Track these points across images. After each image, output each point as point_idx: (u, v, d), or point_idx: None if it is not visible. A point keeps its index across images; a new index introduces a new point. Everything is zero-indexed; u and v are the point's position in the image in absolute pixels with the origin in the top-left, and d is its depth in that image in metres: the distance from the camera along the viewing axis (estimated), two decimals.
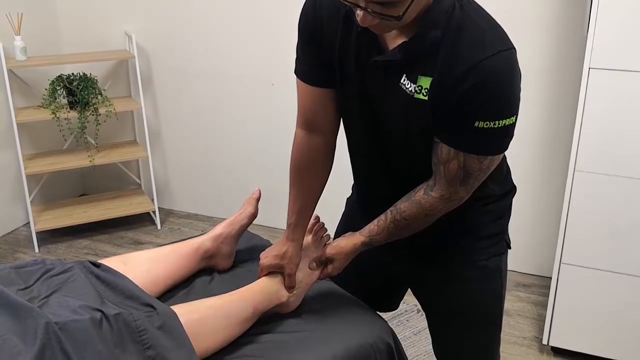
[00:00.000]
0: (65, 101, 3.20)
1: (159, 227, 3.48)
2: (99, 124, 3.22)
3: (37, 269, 1.38)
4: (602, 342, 2.27)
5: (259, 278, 1.48)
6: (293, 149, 1.44)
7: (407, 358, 1.49)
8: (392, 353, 1.42)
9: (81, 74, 3.19)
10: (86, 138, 3.26)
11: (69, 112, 3.15)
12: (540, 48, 2.66)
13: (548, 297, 2.44)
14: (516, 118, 1.18)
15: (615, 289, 2.19)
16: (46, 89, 3.16)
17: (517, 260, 2.87)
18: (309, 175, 1.44)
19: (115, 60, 3.48)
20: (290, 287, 1.46)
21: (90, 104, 3.16)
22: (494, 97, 1.13)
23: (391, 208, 1.36)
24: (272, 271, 1.47)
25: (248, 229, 1.74)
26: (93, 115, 3.18)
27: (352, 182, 1.62)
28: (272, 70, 3.18)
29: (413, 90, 1.18)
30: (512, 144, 1.25)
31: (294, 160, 1.44)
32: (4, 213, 3.38)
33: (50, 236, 3.37)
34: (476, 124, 1.14)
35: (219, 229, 1.66)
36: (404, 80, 1.19)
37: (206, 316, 1.33)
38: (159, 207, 3.56)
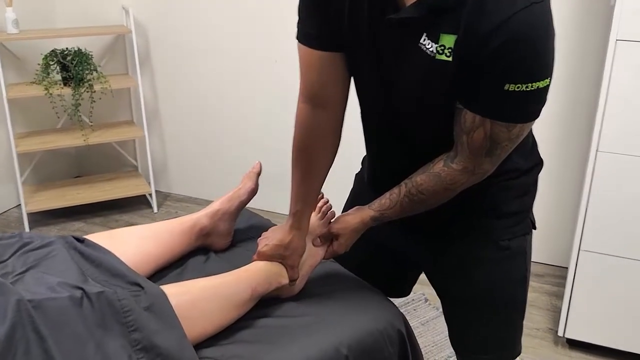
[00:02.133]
0: (58, 77, 3.07)
1: (155, 210, 3.35)
2: (94, 101, 3.08)
3: (14, 242, 1.26)
4: (621, 334, 2.14)
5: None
6: (296, 127, 1.29)
7: (419, 348, 1.36)
8: (403, 341, 1.29)
9: (76, 48, 3.06)
10: (80, 116, 3.13)
11: (62, 88, 3.02)
12: (563, 19, 2.51)
13: (562, 287, 2.33)
14: (550, 80, 1.06)
15: (637, 278, 2.05)
16: (39, 64, 3.03)
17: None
18: (314, 156, 1.29)
19: (111, 36, 3.34)
20: (292, 280, 1.33)
21: (85, 80, 3.03)
22: (526, 56, 1.00)
23: (406, 180, 1.23)
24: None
25: (248, 207, 1.61)
26: (88, 92, 3.05)
27: (360, 157, 1.49)
28: (275, 47, 3.04)
29: (435, 51, 1.05)
30: None
31: (298, 139, 1.29)
32: None
33: (42, 218, 3.24)
34: (506, 87, 1.01)
35: (216, 205, 1.53)
36: (424, 40, 1.06)
37: (199, 298, 1.21)
38: (155, 190, 3.44)
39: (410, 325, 2.36)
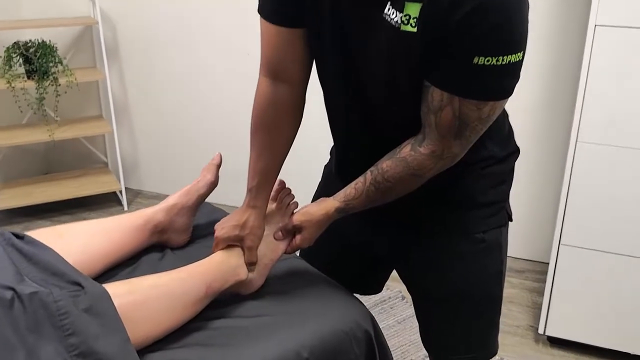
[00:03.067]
0: (22, 70, 2.94)
1: (125, 208, 3.24)
2: (59, 95, 2.96)
3: None
4: (604, 331, 2.07)
5: (213, 253, 1.26)
6: (255, 101, 1.22)
7: (388, 348, 1.27)
8: (370, 342, 1.20)
9: (39, 40, 2.93)
10: (45, 111, 3.00)
11: (25, 81, 2.90)
12: (542, 6, 2.44)
13: (543, 283, 2.26)
14: (523, 55, 0.98)
15: (619, 272, 1.98)
16: (1, 57, 2.90)
17: (509, 243, 2.65)
18: (273, 132, 1.22)
19: (78, 27, 3.22)
20: (250, 263, 1.23)
21: (50, 73, 2.91)
22: (497, 26, 0.92)
23: (372, 168, 1.15)
24: (230, 245, 1.25)
25: (213, 203, 1.51)
26: (52, 85, 2.92)
27: (329, 147, 1.40)
28: (249, 39, 2.93)
29: (399, 21, 0.97)
30: (508, 109, 1.02)
31: (256, 113, 1.23)
32: None
33: (7, 217, 3.11)
34: (475, 60, 0.94)
35: (172, 199, 1.43)
36: (389, 9, 0.99)
37: (147, 297, 1.10)
38: (126, 187, 3.32)
39: (387, 323, 2.31)
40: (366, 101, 1.13)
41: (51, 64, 2.92)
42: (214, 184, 1.45)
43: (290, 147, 1.25)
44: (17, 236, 1.19)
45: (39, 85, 2.89)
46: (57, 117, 3.12)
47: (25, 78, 2.93)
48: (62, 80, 2.93)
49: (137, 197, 3.39)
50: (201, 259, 1.26)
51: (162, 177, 3.41)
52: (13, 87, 2.85)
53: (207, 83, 3.12)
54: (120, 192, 3.25)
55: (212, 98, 3.14)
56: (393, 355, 2.10)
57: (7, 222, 3.07)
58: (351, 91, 1.14)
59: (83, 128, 3.15)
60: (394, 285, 2.40)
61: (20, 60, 2.91)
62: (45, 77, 2.90)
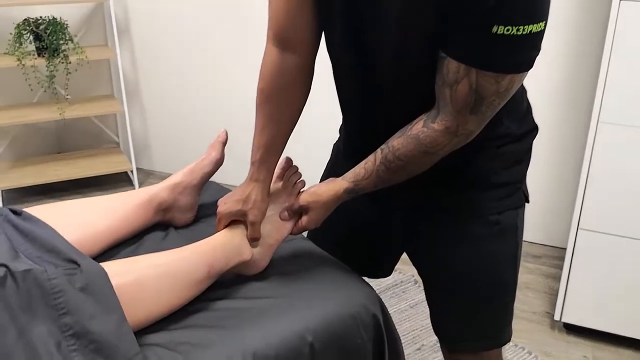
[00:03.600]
0: (32, 47, 2.91)
1: (137, 188, 3.21)
2: (69, 73, 2.93)
3: None
4: (621, 318, 2.01)
5: (217, 232, 1.21)
6: (261, 70, 1.18)
7: (398, 333, 1.22)
8: (379, 327, 1.15)
9: (50, 17, 2.90)
10: (55, 89, 2.97)
11: (35, 59, 2.87)
12: None
13: (560, 268, 2.19)
14: (545, 25, 0.93)
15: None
16: (11, 34, 2.87)
17: (526, 227, 2.59)
18: (279, 103, 1.18)
19: (89, 5, 3.18)
20: (253, 239, 1.18)
21: (60, 50, 2.88)
22: None
23: (382, 146, 1.10)
24: (233, 222, 1.20)
25: (218, 182, 1.47)
26: (63, 63, 2.89)
27: (338, 125, 1.35)
28: (264, 18, 2.87)
29: None
30: (526, 85, 0.96)
31: (263, 83, 1.18)
32: None
33: (18, 196, 3.11)
34: (494, 29, 0.88)
35: (176, 177, 1.39)
36: None
37: (146, 276, 1.06)
38: (137, 168, 3.30)
39: (398, 307, 2.27)
40: (376, 75, 1.08)
41: (62, 42, 2.89)
42: (219, 162, 1.40)
43: (297, 120, 1.20)
44: (15, 212, 1.16)
45: (49, 63, 2.86)
46: (67, 95, 3.09)
47: (36, 55, 2.90)
48: (72, 58, 2.90)
49: (149, 178, 3.36)
50: (206, 238, 1.22)
51: (173, 158, 3.38)
52: (23, 65, 2.82)
53: (219, 62, 3.07)
54: (132, 172, 3.23)
55: (225, 78, 3.09)
56: (405, 340, 2.07)
57: (18, 201, 3.06)
58: (361, 65, 1.09)
59: (94, 107, 3.12)
60: (406, 269, 2.36)
61: (31, 37, 2.88)
62: (55, 54, 2.87)
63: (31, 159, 3.26)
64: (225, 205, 1.20)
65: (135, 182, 3.21)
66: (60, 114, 2.95)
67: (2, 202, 2.98)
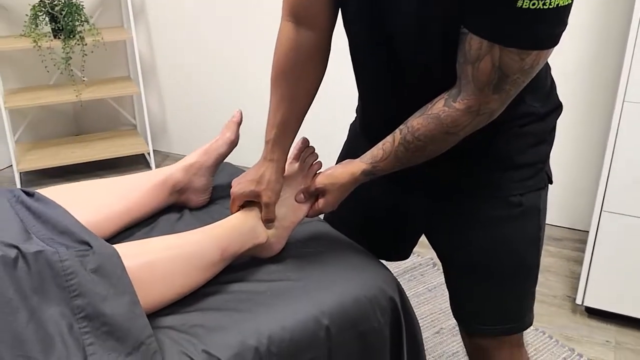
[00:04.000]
0: (48, 29, 2.90)
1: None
2: (85, 54, 2.92)
3: None
4: None
5: (232, 213, 1.19)
6: (276, 47, 1.15)
7: (415, 317, 1.20)
8: (396, 310, 1.12)
9: None
10: (72, 71, 2.97)
11: (51, 40, 2.86)
12: None
13: (582, 252, 2.15)
14: None
15: None
16: (27, 15, 2.86)
17: (547, 209, 2.55)
18: (294, 81, 1.14)
19: None
20: (268, 220, 1.16)
21: (76, 32, 2.86)
22: None
23: (401, 126, 1.06)
24: (248, 203, 1.18)
25: (234, 163, 1.44)
26: (79, 44, 2.88)
27: (355, 104, 1.32)
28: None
29: None
30: (550, 62, 0.92)
31: (277, 61, 1.15)
32: None
33: (36, 178, 3.12)
34: (519, 2, 0.85)
35: (191, 158, 1.37)
36: None
37: (159, 259, 1.05)
38: (154, 150, 3.30)
39: (417, 290, 2.24)
40: (394, 50, 1.04)
41: (77, 23, 2.87)
42: (234, 143, 1.38)
43: (313, 99, 1.17)
44: (28, 194, 1.15)
45: (65, 45, 2.84)
46: (84, 77, 3.09)
47: (52, 37, 2.89)
48: (88, 40, 2.89)
49: (166, 160, 3.35)
50: (220, 220, 1.20)
51: (190, 139, 3.37)
52: (39, 47, 2.81)
53: (236, 43, 3.04)
54: (148, 154, 3.22)
55: (241, 58, 3.05)
56: (423, 324, 2.05)
57: (36, 183, 3.07)
58: (378, 39, 1.05)
59: (110, 89, 3.11)
60: (425, 251, 2.33)
61: (46, 18, 2.87)
62: (71, 36, 2.86)
63: (49, 142, 3.26)
64: (238, 185, 1.18)
65: (152, 164, 3.21)
66: (76, 95, 2.94)
67: (20, 184, 2.99)
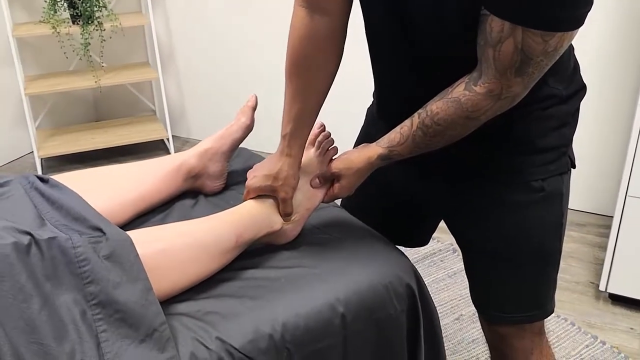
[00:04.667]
0: (67, 15, 2.90)
1: None
2: (104, 40, 2.91)
3: None
4: None
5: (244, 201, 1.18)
6: (291, 35, 1.12)
7: (433, 305, 1.17)
8: (413, 297, 1.10)
9: None
10: (90, 57, 2.97)
11: (70, 26, 2.86)
12: None
13: (606, 237, 2.11)
14: None
15: None
16: (46, 1, 2.86)
17: (571, 194, 2.50)
18: (310, 71, 1.11)
19: None
20: (286, 215, 1.15)
21: (94, 17, 2.86)
22: None
23: (419, 110, 1.04)
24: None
25: (249, 148, 1.43)
26: (97, 30, 2.88)
27: (372, 87, 1.29)
28: None
29: None
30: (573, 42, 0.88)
31: (292, 50, 1.12)
32: (9, 138, 3.15)
33: (57, 164, 3.14)
34: None
35: (205, 144, 1.36)
36: None
37: (173, 245, 1.04)
38: (174, 136, 3.30)
39: (437, 276, 2.21)
40: (412, 31, 1.01)
41: (96, 9, 2.87)
42: (249, 128, 1.36)
43: (329, 88, 1.14)
44: (42, 180, 1.14)
45: (83, 31, 2.85)
46: (102, 63, 3.09)
47: (70, 23, 2.89)
48: (106, 26, 2.89)
49: (185, 145, 3.35)
50: (235, 206, 1.18)
51: (210, 125, 3.36)
52: (58, 33, 2.82)
53: (255, 28, 3.01)
54: (168, 140, 3.22)
55: (261, 43, 3.03)
56: (443, 310, 2.03)
57: (57, 169, 3.09)
58: (395, 19, 1.02)
59: (129, 75, 3.11)
60: (445, 237, 2.30)
61: (65, 4, 2.87)
62: (89, 22, 2.86)
63: (69, 128, 3.28)
64: (254, 179, 1.16)
65: (172, 150, 3.21)
66: (95, 82, 2.95)
67: (42, 170, 3.02)
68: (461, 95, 0.97)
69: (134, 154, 3.23)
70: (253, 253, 1.13)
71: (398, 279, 1.09)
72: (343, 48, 1.14)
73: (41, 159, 3.03)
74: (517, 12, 0.86)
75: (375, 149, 1.10)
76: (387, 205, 1.33)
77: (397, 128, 1.08)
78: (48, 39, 2.94)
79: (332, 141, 1.21)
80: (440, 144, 1.05)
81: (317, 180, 1.16)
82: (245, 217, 1.12)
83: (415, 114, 1.04)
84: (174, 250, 1.03)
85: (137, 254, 0.97)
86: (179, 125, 3.43)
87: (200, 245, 1.05)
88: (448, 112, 0.99)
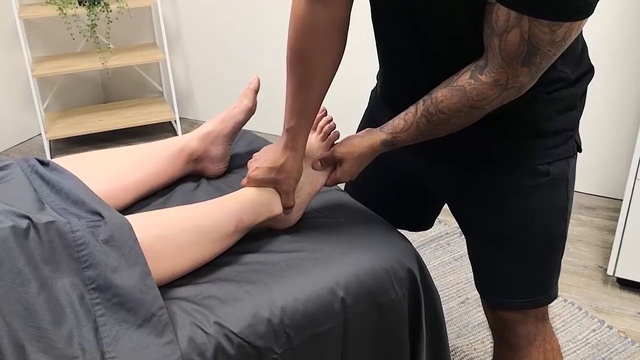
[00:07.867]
0: None
1: None
2: (110, 21, 2.90)
3: None
4: None
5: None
6: (290, 25, 1.08)
7: (435, 289, 1.16)
8: (414, 282, 1.09)
9: None
10: (97, 38, 2.96)
11: (77, 7, 2.85)
12: None
13: (615, 221, 2.08)
14: None
15: None
16: None
17: (579, 177, 2.46)
18: (313, 61, 1.08)
19: None
20: (287, 208, 1.14)
21: None
22: None
23: (424, 97, 1.02)
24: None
25: (253, 130, 1.42)
26: (103, 11, 2.86)
27: (376, 69, 1.27)
28: None
29: None
30: None
31: (293, 40, 1.08)
32: (17, 120, 3.16)
33: (65, 146, 3.15)
34: None
35: (207, 127, 1.35)
36: None
37: (172, 229, 1.03)
38: (181, 117, 3.29)
39: (442, 260, 2.20)
40: (417, 15, 0.99)
41: None
42: (251, 110, 1.35)
43: (333, 78, 1.11)
44: (42, 163, 1.14)
45: (90, 12, 2.83)
46: (109, 44, 3.08)
47: (77, 4, 2.88)
48: (113, 6, 2.87)
49: (193, 127, 3.34)
50: (237, 190, 1.18)
51: (217, 107, 3.32)
52: (65, 14, 2.81)
53: (263, 7, 2.98)
54: (175, 121, 3.22)
55: (269, 24, 3.00)
56: (449, 293, 2.02)
57: (65, 151, 3.10)
58: (403, 10, 1.00)
59: (136, 56, 3.09)
60: (451, 220, 2.28)
61: None
62: (96, 3, 2.84)
63: (77, 110, 3.28)
64: (257, 170, 1.14)
65: (179, 132, 3.20)
66: (102, 63, 2.94)
67: (50, 152, 3.02)
68: (466, 83, 0.96)
69: (142, 135, 3.22)
70: (253, 237, 1.12)
71: (399, 263, 1.08)
72: (346, 39, 1.10)
73: (49, 141, 3.03)
74: (524, 1, 0.84)
75: (378, 135, 1.09)
76: (390, 189, 1.31)
77: (402, 114, 1.06)
78: (54, 20, 2.93)
79: (334, 125, 1.20)
80: (444, 132, 1.03)
81: (318, 163, 1.15)
82: (246, 202, 1.11)
83: (420, 101, 1.03)
84: (173, 235, 1.02)
85: (136, 239, 0.96)
86: (187, 107, 3.42)
87: (200, 230, 1.05)
88: (453, 101, 0.98)
